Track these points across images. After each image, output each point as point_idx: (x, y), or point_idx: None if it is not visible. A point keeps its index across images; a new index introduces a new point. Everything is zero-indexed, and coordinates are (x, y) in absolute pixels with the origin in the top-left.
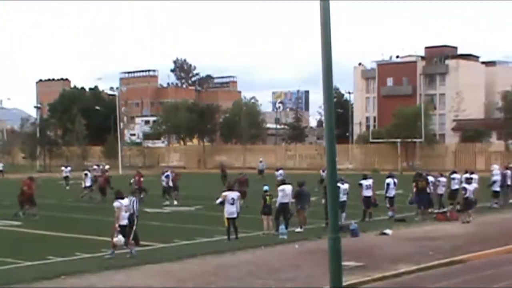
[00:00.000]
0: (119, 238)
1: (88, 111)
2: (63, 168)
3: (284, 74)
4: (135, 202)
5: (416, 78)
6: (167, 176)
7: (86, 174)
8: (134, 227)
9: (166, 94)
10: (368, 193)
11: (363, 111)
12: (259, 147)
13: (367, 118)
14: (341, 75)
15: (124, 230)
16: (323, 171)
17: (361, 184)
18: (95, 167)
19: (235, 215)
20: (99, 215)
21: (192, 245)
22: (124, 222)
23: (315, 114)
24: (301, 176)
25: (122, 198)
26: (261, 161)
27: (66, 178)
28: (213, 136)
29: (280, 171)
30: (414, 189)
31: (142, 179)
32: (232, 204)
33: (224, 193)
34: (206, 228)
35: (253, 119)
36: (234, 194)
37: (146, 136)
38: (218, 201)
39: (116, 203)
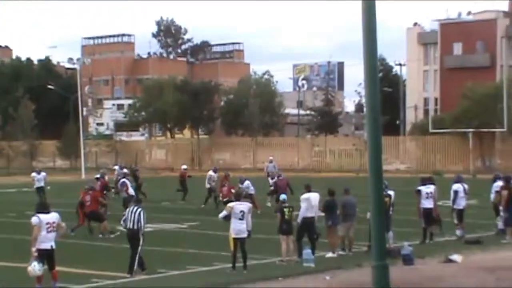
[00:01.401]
0: (34, 268)
1: (38, 92)
2: (34, 174)
3: (308, 39)
4: (141, 215)
5: (495, 43)
6: (122, 184)
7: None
8: (140, 249)
9: (146, 68)
10: (428, 204)
11: (420, 90)
12: (275, 140)
13: (426, 100)
14: (390, 41)
15: (44, 256)
16: None
17: (419, 192)
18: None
19: (244, 235)
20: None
21: (183, 277)
22: (47, 245)
23: (352, 94)
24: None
25: (46, 212)
26: (271, 160)
27: (40, 189)
28: (212, 126)
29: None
30: (500, 198)
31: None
32: (241, 219)
33: (230, 204)
34: (202, 253)
35: (267, 102)
36: (244, 206)
37: (119, 127)
38: (221, 215)
39: (34, 219)
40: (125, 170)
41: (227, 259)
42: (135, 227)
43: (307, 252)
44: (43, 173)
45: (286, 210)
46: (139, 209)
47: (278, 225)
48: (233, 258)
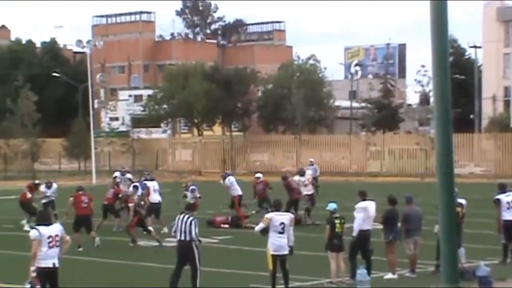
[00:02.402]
0: None
1: (41, 81)
2: (44, 189)
3: (363, 17)
4: (193, 224)
5: None
6: (192, 191)
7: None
8: (198, 264)
9: (168, 52)
10: (509, 215)
11: (499, 77)
12: (322, 138)
13: (506, 90)
14: (462, 19)
15: (46, 276)
16: None
17: (498, 201)
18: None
19: (285, 251)
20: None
21: None
22: (48, 263)
23: (416, 83)
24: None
25: (47, 223)
26: (311, 163)
27: (47, 205)
28: (247, 121)
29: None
30: None
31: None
32: (281, 233)
33: (268, 216)
34: (236, 273)
35: (313, 93)
36: (285, 217)
37: (137, 122)
38: (257, 228)
39: (33, 232)
40: (128, 176)
41: (266, 279)
42: (187, 238)
43: (362, 272)
44: (54, 185)
45: (337, 222)
46: (190, 218)
47: (327, 239)
48: (272, 279)
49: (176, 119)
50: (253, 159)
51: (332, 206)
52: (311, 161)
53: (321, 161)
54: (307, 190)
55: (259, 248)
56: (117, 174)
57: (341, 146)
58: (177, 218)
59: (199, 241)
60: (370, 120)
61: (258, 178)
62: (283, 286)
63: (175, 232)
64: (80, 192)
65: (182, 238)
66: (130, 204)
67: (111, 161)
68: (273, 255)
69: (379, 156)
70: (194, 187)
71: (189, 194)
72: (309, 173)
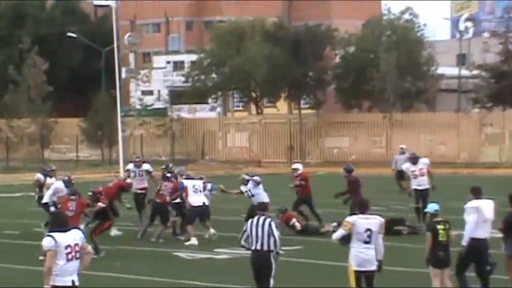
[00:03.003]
0: None
1: (53, 43)
2: (60, 186)
3: None
4: (272, 227)
5: None
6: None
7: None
8: (271, 282)
9: (217, 6)
10: None
11: None
12: (421, 117)
13: None
14: None
15: None
16: None
17: None
18: None
19: (372, 267)
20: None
21: None
22: (66, 280)
23: None
24: None
25: (64, 229)
26: (402, 150)
27: (44, 205)
28: (321, 95)
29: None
30: None
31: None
32: (367, 242)
33: (349, 219)
34: None
35: (409, 58)
36: (373, 222)
37: (177, 97)
38: (335, 235)
39: (46, 241)
40: (146, 167)
41: None
42: (265, 247)
43: None
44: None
45: (440, 228)
46: (268, 220)
47: (428, 251)
48: None
49: (228, 93)
50: (328, 145)
51: (432, 207)
52: (402, 148)
53: (418, 148)
54: (417, 184)
55: (337, 262)
56: (130, 166)
57: (446, 128)
58: (248, 223)
59: (278, 253)
60: (485, 93)
61: (296, 170)
62: None
63: (246, 240)
64: (72, 197)
65: (258, 247)
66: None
67: (143, 147)
68: (356, 272)
69: (497, 140)
70: (257, 177)
71: (247, 186)
72: (424, 162)
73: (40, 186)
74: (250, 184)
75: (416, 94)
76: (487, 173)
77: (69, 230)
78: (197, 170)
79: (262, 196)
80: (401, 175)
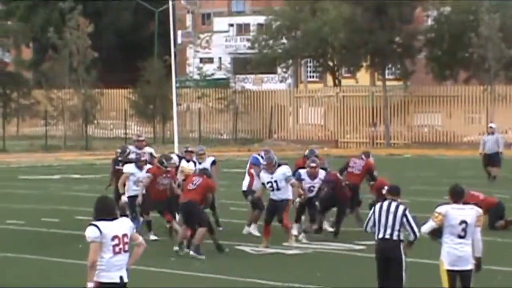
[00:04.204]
0: None
1: (100, 2)
2: (134, 169)
3: None
4: (407, 214)
5: None
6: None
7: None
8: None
9: None
10: None
11: None
12: None
13: None
14: None
15: None
16: None
17: None
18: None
19: (468, 266)
20: None
21: None
22: (113, 276)
23: None
24: None
25: (111, 217)
26: (491, 130)
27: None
28: (409, 65)
29: None
30: None
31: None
32: (462, 237)
33: (441, 210)
34: None
35: None
36: (469, 214)
37: (241, 65)
38: (425, 228)
39: (90, 230)
40: (149, 149)
41: None
42: (394, 237)
43: None
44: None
45: None
46: (401, 207)
47: None
48: None
49: (300, 61)
50: (418, 122)
51: None
52: (491, 128)
53: None
54: None
55: (426, 260)
56: (130, 147)
57: None
58: (377, 208)
59: (412, 241)
60: None
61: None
62: None
63: (371, 228)
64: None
65: (387, 235)
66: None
67: (202, 123)
68: (449, 271)
69: None
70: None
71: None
72: (489, 146)
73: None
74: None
75: None
76: None
77: (116, 218)
78: None
79: None
80: (490, 160)
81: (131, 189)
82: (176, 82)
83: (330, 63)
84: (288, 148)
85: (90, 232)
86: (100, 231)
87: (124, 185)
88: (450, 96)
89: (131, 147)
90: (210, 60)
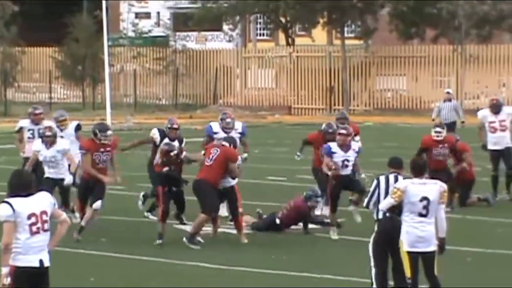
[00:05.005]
0: None
1: None
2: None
3: None
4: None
5: None
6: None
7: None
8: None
9: None
10: None
11: None
12: (505, 51)
13: None
14: None
15: (27, 282)
16: None
17: None
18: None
19: (430, 247)
20: None
21: None
22: (32, 260)
23: None
24: None
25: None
26: (448, 95)
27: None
28: (371, 22)
29: None
30: None
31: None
32: (424, 215)
33: (400, 186)
34: (348, 281)
35: None
36: (430, 189)
37: (183, 22)
38: (383, 205)
39: (2, 208)
40: (48, 123)
41: None
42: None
43: None
44: (48, 122)
45: None
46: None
47: None
48: None
49: (249, 18)
50: (380, 87)
51: None
52: (448, 93)
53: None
54: (495, 141)
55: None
56: (24, 123)
57: None
58: (381, 182)
59: None
60: None
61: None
62: None
63: (374, 204)
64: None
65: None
66: None
67: (137, 87)
68: (409, 253)
69: None
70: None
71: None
72: (508, 111)
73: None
74: None
75: (497, 20)
76: None
77: (32, 194)
78: (207, 118)
79: None
80: (449, 128)
81: (46, 172)
82: (108, 40)
83: (283, 20)
84: (236, 115)
85: (2, 211)
86: (13, 209)
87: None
88: (416, 57)
89: (25, 122)
90: (147, 16)
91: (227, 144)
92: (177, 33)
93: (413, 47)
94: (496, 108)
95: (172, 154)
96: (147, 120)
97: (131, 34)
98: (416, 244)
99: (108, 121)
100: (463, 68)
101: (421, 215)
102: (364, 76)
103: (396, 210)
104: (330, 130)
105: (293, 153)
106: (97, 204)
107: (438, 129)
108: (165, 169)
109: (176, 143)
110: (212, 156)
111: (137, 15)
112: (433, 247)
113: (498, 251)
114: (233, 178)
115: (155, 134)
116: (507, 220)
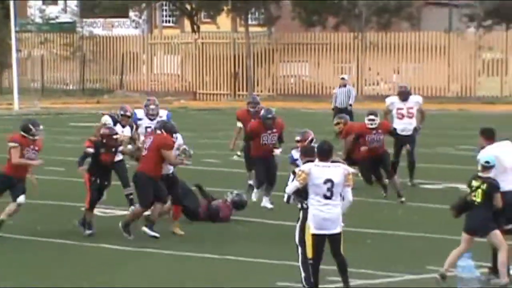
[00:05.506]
0: None
1: None
2: None
3: None
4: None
5: None
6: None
7: None
8: None
9: None
10: None
11: None
12: (401, 39)
13: None
14: None
15: None
16: None
17: None
18: None
19: (336, 229)
20: None
21: None
22: None
23: None
24: None
25: None
26: (343, 81)
27: None
28: (275, 10)
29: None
30: None
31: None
32: (329, 197)
33: (304, 168)
34: (254, 263)
35: None
36: (335, 172)
37: (89, 9)
38: (289, 188)
39: None
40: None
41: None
42: None
43: (465, 264)
44: None
45: (475, 185)
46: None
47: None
48: (314, 272)
49: (155, 5)
50: (283, 73)
51: (485, 157)
52: (343, 79)
53: (398, 78)
54: (402, 127)
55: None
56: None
57: (433, 52)
58: (293, 175)
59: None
60: (483, 8)
61: (255, 105)
62: (338, 286)
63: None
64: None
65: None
66: None
67: (45, 73)
68: (315, 235)
69: (498, 69)
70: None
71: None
72: (416, 100)
73: None
74: None
75: (396, 9)
76: (484, 109)
77: None
78: (114, 103)
79: None
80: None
81: None
82: (15, 25)
83: (188, 7)
84: (142, 100)
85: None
86: None
87: None
88: (318, 44)
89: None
90: (54, 2)
91: (161, 132)
92: (84, 20)
93: (315, 35)
94: (404, 95)
95: (114, 137)
96: (54, 105)
97: (38, 20)
98: (322, 226)
99: (16, 106)
100: (364, 54)
101: (326, 197)
102: (267, 63)
103: (302, 193)
104: (269, 116)
105: (199, 138)
106: (21, 198)
107: (371, 116)
108: (90, 150)
109: (127, 130)
110: (147, 146)
111: (44, 2)
112: (339, 228)
113: (397, 233)
114: (172, 165)
115: (107, 120)
116: (407, 204)
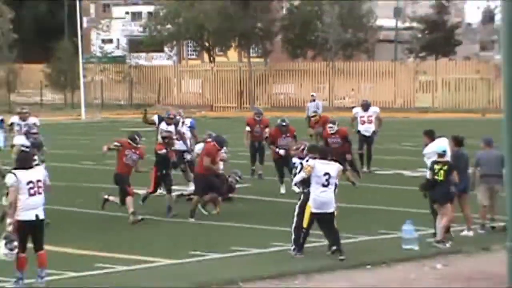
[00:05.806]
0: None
1: None
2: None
3: None
4: None
5: None
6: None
7: None
8: None
9: None
10: None
11: None
12: (361, 66)
13: None
14: None
15: (27, 231)
16: None
17: None
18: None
19: (330, 209)
20: None
21: (225, 261)
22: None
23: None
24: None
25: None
26: (313, 97)
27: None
28: (269, 45)
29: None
30: None
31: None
32: (326, 186)
33: (310, 163)
34: (255, 228)
35: (350, 11)
36: (331, 168)
37: (135, 45)
38: (297, 178)
39: (9, 177)
40: (35, 120)
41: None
42: None
43: (407, 228)
44: (33, 119)
45: (437, 168)
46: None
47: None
48: (305, 236)
49: (182, 42)
50: (276, 91)
51: (441, 147)
52: (312, 96)
53: (359, 95)
54: (365, 129)
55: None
56: (14, 119)
57: (383, 76)
58: (301, 165)
59: None
60: (419, 44)
61: (260, 115)
62: (317, 245)
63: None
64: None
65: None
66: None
67: (103, 92)
68: (314, 213)
69: (430, 87)
70: (191, 121)
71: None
72: (374, 110)
73: None
74: None
75: (356, 44)
76: (420, 117)
77: (32, 167)
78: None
79: None
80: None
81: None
82: (82, 58)
83: (206, 44)
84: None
85: (9, 179)
86: (17, 178)
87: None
88: (300, 70)
89: (15, 119)
90: (110, 41)
91: (212, 142)
92: (132, 54)
93: (298, 63)
94: (365, 107)
95: (174, 137)
96: (110, 116)
97: (99, 54)
98: (320, 207)
99: (83, 117)
100: (334, 78)
101: (323, 185)
102: (264, 84)
103: (306, 182)
104: (284, 124)
105: None
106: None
107: (330, 125)
108: (163, 151)
109: (172, 127)
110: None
111: (103, 41)
112: (332, 209)
113: (360, 206)
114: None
115: (155, 118)
116: (364, 184)
